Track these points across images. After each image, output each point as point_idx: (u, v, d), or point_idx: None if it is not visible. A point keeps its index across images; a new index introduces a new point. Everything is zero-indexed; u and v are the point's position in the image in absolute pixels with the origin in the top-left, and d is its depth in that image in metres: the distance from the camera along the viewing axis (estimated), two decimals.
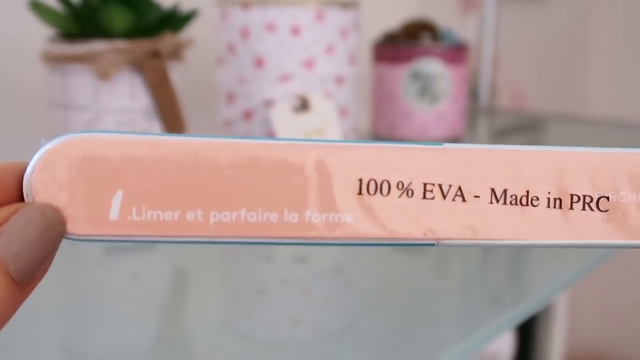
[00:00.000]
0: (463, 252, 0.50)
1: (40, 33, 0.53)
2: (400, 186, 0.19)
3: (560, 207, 0.19)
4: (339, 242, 0.19)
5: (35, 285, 0.17)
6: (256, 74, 0.57)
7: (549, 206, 0.19)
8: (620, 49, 1.44)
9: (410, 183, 0.19)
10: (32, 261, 0.17)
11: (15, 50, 0.60)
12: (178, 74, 0.52)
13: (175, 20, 0.52)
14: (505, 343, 0.72)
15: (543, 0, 1.29)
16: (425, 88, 0.70)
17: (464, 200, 0.19)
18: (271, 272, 0.45)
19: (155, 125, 0.50)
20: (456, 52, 0.71)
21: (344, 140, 0.19)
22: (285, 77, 0.57)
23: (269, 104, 0.57)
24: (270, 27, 0.56)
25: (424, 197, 0.19)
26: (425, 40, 0.71)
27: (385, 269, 0.47)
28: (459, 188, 0.19)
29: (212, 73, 0.64)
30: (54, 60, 0.49)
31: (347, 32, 0.59)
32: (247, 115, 0.58)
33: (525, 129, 0.93)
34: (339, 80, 0.59)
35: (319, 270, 0.46)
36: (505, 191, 0.19)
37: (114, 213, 0.18)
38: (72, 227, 0.18)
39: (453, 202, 0.19)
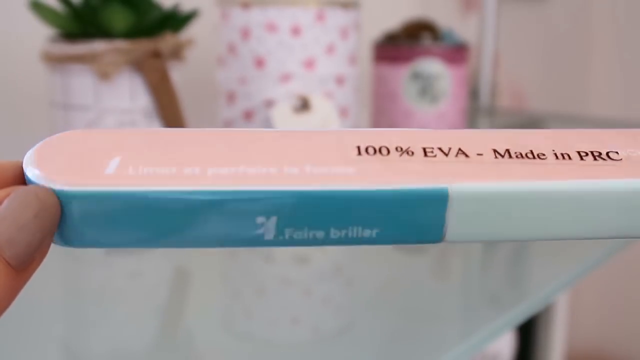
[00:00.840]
0: (464, 252, 0.50)
1: (40, 33, 0.53)
2: (399, 149, 0.18)
3: (570, 159, 0.18)
4: (340, 193, 0.17)
5: (34, 270, 0.17)
6: (256, 74, 0.57)
7: (557, 158, 0.18)
8: (621, 49, 1.44)
9: (409, 147, 0.18)
10: (28, 245, 0.16)
11: (16, 51, 0.60)
12: (178, 74, 0.52)
13: (176, 20, 0.52)
14: (506, 343, 0.72)
15: None
16: (426, 88, 0.70)
17: (467, 156, 0.18)
18: (271, 272, 0.45)
19: (156, 126, 0.50)
20: (456, 52, 0.71)
21: (339, 129, 0.19)
22: (285, 77, 0.57)
23: (269, 104, 0.57)
24: (271, 27, 0.56)
25: (426, 156, 0.18)
26: (426, 40, 0.71)
27: (385, 268, 0.47)
28: (459, 149, 0.19)
29: (212, 73, 0.64)
30: (54, 61, 0.49)
31: (348, 32, 0.59)
32: (248, 115, 0.58)
33: (526, 129, 0.93)
34: (340, 80, 0.59)
35: (319, 270, 0.46)
36: (508, 150, 0.19)
37: (110, 170, 0.17)
38: (64, 182, 0.17)
39: (456, 158, 0.18)
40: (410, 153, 0.18)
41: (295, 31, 0.56)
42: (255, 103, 0.57)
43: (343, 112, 0.59)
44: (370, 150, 0.18)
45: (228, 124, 0.59)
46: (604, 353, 1.47)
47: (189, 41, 0.52)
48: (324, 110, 0.56)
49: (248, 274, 0.44)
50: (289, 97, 0.56)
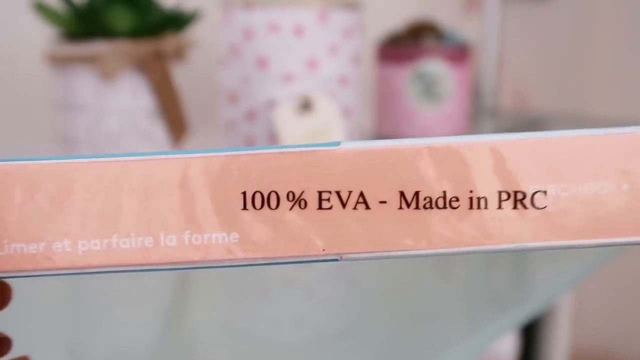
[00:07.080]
0: None
1: (42, 34, 0.53)
2: (290, 197, 0.17)
3: (486, 208, 0.17)
4: (224, 264, 0.17)
5: None
6: (259, 74, 0.57)
7: (471, 206, 0.17)
8: (623, 48, 1.44)
9: (303, 192, 0.17)
10: None
11: (18, 51, 0.60)
12: (181, 74, 0.52)
13: (178, 21, 0.52)
14: (509, 344, 0.72)
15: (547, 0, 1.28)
16: (429, 88, 0.70)
17: (367, 207, 0.17)
18: (274, 273, 0.45)
19: (158, 126, 0.50)
20: (459, 53, 0.71)
21: (223, 150, 0.17)
22: (288, 78, 0.56)
23: (271, 104, 0.57)
24: (274, 28, 0.56)
25: (320, 208, 0.17)
26: (429, 41, 0.71)
27: (388, 269, 0.47)
28: (361, 194, 0.17)
29: (215, 73, 0.64)
30: (56, 61, 0.49)
31: (351, 33, 0.59)
32: (250, 115, 0.58)
33: (528, 129, 0.92)
34: (343, 81, 0.59)
35: (322, 271, 0.46)
36: (417, 193, 0.17)
37: None
38: None
39: (355, 210, 0.17)
40: (303, 204, 0.17)
41: (298, 31, 0.56)
42: (258, 103, 0.57)
43: (346, 113, 0.59)
44: (258, 201, 0.17)
45: (230, 124, 0.59)
46: (609, 354, 1.47)
47: (191, 41, 0.52)
48: (327, 111, 0.56)
49: (251, 275, 0.44)
50: (291, 97, 0.56)
